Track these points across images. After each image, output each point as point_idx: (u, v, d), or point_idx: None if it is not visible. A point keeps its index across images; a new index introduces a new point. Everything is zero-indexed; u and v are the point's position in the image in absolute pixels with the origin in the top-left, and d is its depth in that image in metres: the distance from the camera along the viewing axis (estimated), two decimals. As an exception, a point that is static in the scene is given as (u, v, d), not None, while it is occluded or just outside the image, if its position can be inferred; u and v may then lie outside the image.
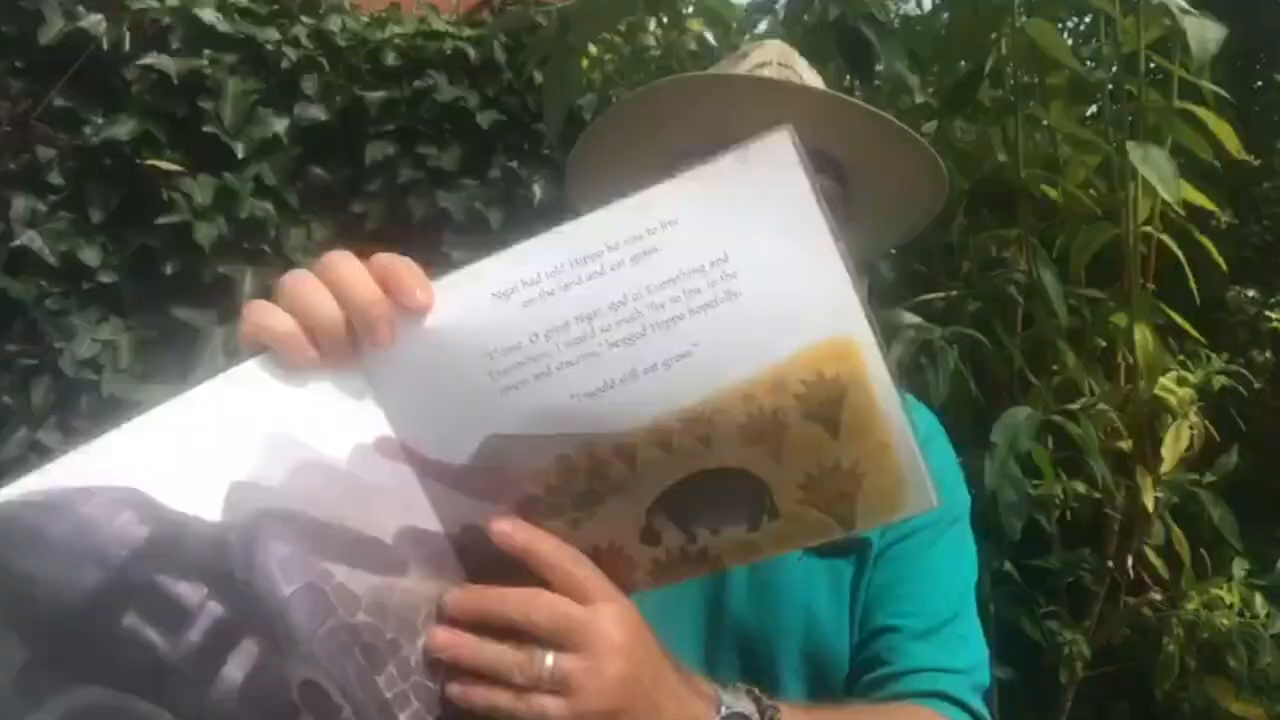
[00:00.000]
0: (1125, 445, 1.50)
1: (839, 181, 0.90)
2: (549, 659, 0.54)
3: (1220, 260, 1.51)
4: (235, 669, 0.48)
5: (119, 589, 0.47)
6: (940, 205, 0.98)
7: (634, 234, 0.50)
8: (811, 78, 0.92)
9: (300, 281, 0.53)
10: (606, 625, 0.55)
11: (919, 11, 1.84)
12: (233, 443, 0.50)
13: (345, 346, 0.52)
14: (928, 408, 0.98)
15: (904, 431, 0.54)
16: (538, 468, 0.54)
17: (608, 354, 0.51)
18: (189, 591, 0.48)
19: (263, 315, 0.53)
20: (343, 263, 0.53)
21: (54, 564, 0.46)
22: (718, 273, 0.50)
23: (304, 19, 1.71)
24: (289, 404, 0.51)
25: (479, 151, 1.80)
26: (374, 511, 0.53)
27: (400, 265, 0.53)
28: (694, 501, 0.55)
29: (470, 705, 0.54)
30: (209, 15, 1.60)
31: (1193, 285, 1.50)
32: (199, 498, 0.49)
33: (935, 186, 0.94)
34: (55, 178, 1.56)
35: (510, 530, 0.55)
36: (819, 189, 0.51)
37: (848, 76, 1.58)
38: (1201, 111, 1.45)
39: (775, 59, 0.91)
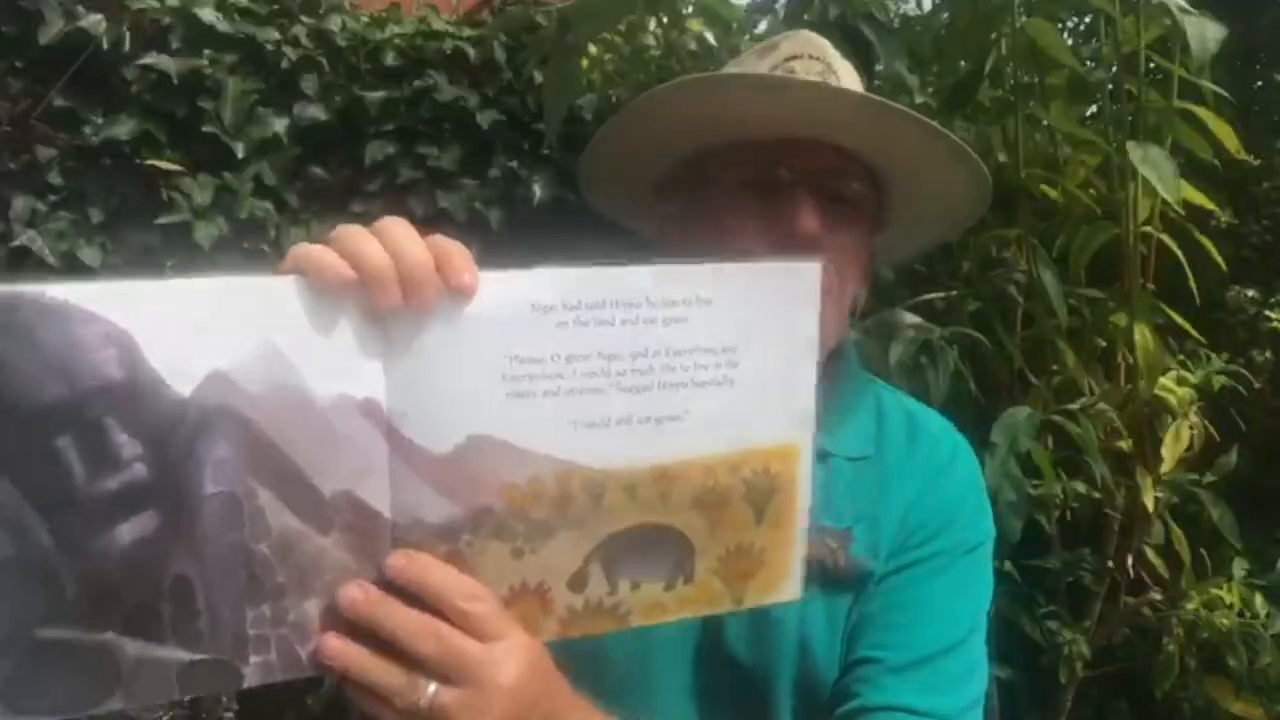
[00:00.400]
0: (1125, 445, 1.50)
1: (875, 188, 0.87)
2: (430, 689, 0.53)
3: (1220, 260, 1.51)
4: (127, 531, 0.49)
5: (69, 412, 0.48)
6: (983, 209, 0.93)
7: (673, 299, 0.56)
8: (846, 71, 0.88)
9: (355, 232, 0.53)
10: (499, 664, 0.55)
11: (919, 11, 1.84)
12: (233, 336, 0.50)
13: (430, 289, 0.52)
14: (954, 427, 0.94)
15: (804, 531, 0.65)
16: (510, 480, 0.55)
17: (614, 395, 0.56)
18: (126, 444, 0.49)
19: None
20: (398, 225, 0.54)
21: (27, 361, 0.47)
22: (725, 358, 0.58)
23: (304, 19, 1.70)
24: (302, 329, 0.52)
25: (479, 151, 1.80)
26: (326, 462, 0.53)
27: (452, 246, 0.54)
28: (628, 552, 0.59)
29: (360, 706, 0.54)
30: (209, 15, 1.60)
31: (1193, 285, 1.50)
32: (180, 369, 0.50)
33: (978, 191, 0.90)
34: (55, 178, 1.55)
35: (405, 564, 0.54)
36: (819, 319, 0.60)
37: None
38: (1201, 111, 1.45)
39: (808, 52, 0.87)
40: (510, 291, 0.54)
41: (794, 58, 0.86)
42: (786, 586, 0.66)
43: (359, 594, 0.54)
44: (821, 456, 0.80)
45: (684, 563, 0.62)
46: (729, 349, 0.59)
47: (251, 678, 0.53)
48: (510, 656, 0.55)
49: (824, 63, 0.85)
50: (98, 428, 0.48)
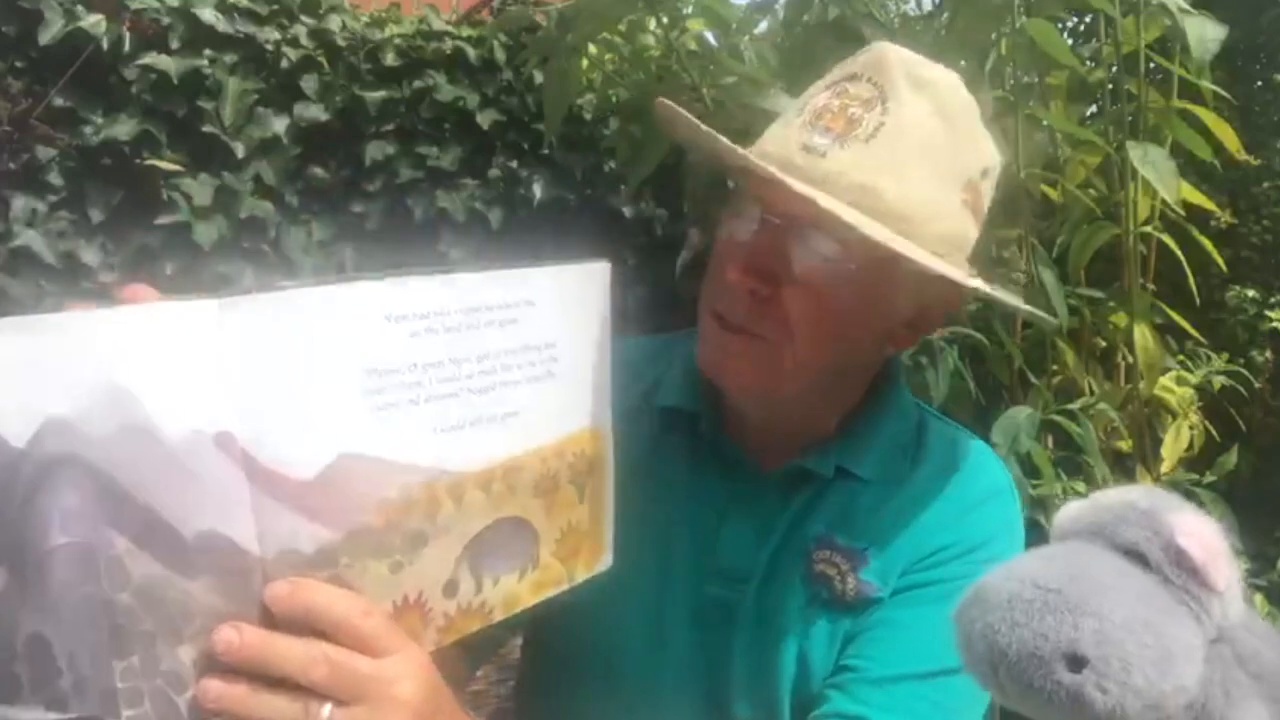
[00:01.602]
0: (1125, 445, 1.50)
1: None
2: (325, 711, 0.51)
3: (1220, 260, 1.51)
4: None
5: None
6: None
7: (506, 302, 0.60)
8: (910, 101, 0.74)
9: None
10: (394, 678, 0.53)
11: (919, 11, 1.84)
12: (72, 378, 0.47)
13: None
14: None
15: (610, 504, 0.70)
16: (384, 496, 0.54)
17: (466, 398, 0.58)
18: None
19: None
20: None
21: None
22: (548, 353, 0.63)
23: (304, 19, 1.71)
24: (147, 363, 0.48)
25: (479, 151, 1.81)
26: (185, 503, 0.50)
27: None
28: (489, 550, 0.61)
29: None
30: (209, 15, 1.60)
31: (1193, 285, 1.50)
32: (12, 417, 0.46)
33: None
34: (55, 178, 1.56)
35: (290, 590, 0.52)
36: (610, 313, 0.66)
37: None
38: (1201, 111, 1.45)
39: (869, 74, 0.75)
40: (362, 304, 0.53)
41: (853, 77, 0.76)
42: (603, 557, 0.71)
43: (234, 636, 0.51)
44: (844, 476, 0.80)
45: (532, 550, 0.64)
46: (550, 344, 0.63)
47: None
48: (405, 670, 0.54)
49: (880, 89, 0.75)
50: None
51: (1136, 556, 0.47)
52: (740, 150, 0.74)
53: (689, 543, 0.82)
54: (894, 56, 0.75)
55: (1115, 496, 0.50)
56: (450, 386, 0.57)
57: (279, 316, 0.51)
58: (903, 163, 0.72)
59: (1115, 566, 0.46)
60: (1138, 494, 0.50)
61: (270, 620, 0.52)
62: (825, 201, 0.68)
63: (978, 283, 0.75)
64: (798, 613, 0.78)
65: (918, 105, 0.73)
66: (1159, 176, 1.30)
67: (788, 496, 0.81)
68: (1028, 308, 0.91)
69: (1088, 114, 1.69)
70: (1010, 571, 0.47)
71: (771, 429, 0.83)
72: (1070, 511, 0.51)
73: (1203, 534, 0.46)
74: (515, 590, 0.64)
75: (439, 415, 0.56)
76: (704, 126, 0.76)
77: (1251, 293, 2.27)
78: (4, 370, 0.46)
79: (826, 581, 0.78)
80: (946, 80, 0.76)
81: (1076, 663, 0.43)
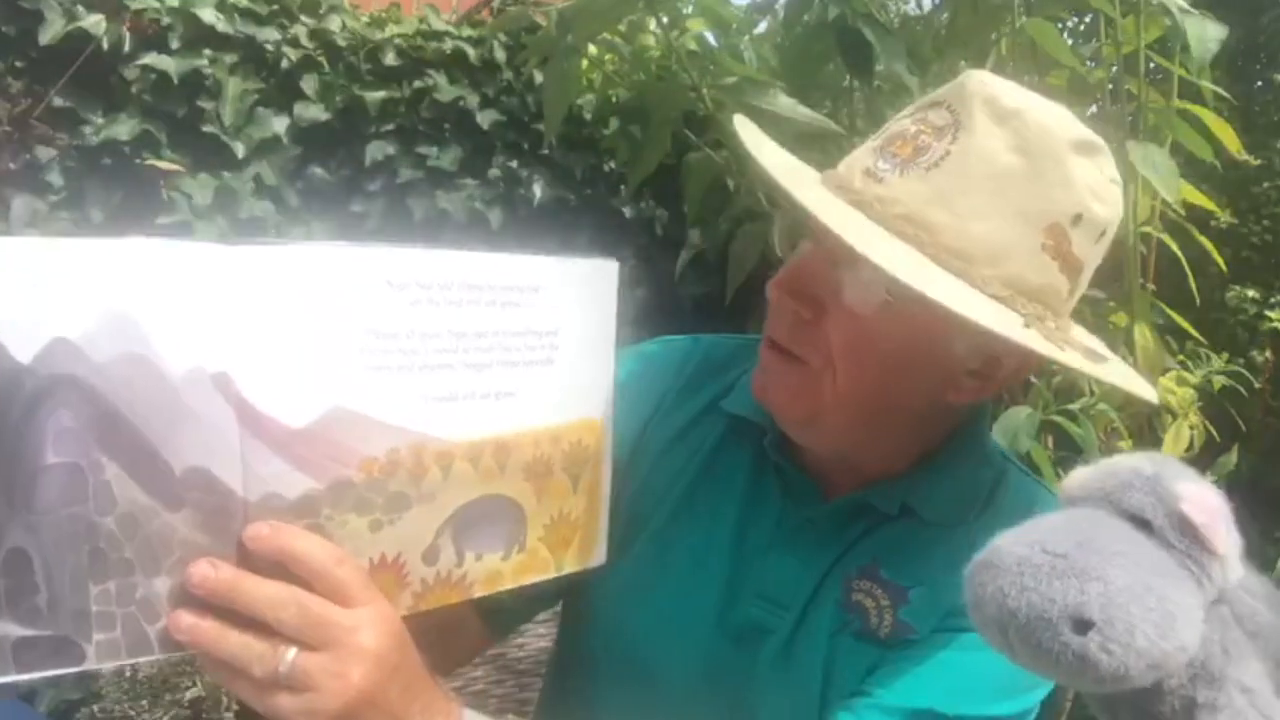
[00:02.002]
0: (1125, 445, 1.50)
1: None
2: (290, 655, 0.52)
3: (1220, 260, 1.52)
4: None
5: None
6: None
7: (508, 285, 0.61)
8: (984, 133, 0.69)
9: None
10: (361, 629, 0.54)
11: (919, 11, 1.84)
12: (80, 301, 0.48)
13: None
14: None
15: (608, 500, 0.70)
16: (369, 454, 0.56)
17: (461, 372, 0.59)
18: None
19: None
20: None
21: None
22: (549, 340, 0.64)
23: (304, 19, 1.71)
24: (155, 298, 0.50)
25: (479, 151, 1.81)
26: (178, 437, 0.51)
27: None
28: (474, 524, 0.62)
29: (213, 681, 0.53)
30: (209, 15, 1.60)
31: (1193, 285, 1.50)
32: (21, 334, 0.47)
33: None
34: (55, 178, 1.56)
35: (269, 533, 0.53)
36: (616, 310, 0.67)
37: (848, 76, 1.58)
38: (1201, 111, 1.45)
39: (950, 101, 0.71)
40: (366, 267, 0.55)
41: (935, 104, 0.72)
42: (595, 552, 0.71)
43: (209, 571, 0.52)
44: (905, 515, 0.77)
45: (519, 532, 0.65)
46: (551, 332, 0.64)
47: (95, 657, 0.50)
48: (373, 622, 0.55)
49: (955, 116, 0.70)
50: None
51: (1141, 522, 0.49)
52: (778, 166, 0.71)
53: (735, 558, 0.79)
54: (976, 85, 0.70)
55: (1122, 463, 0.52)
56: (446, 358, 0.58)
57: (285, 269, 0.53)
58: (963, 196, 0.67)
59: (1120, 533, 0.48)
60: (1143, 461, 0.52)
61: (247, 562, 0.53)
62: (848, 232, 0.64)
63: (1039, 336, 0.68)
64: (828, 639, 0.76)
65: (993, 137, 0.68)
66: (1159, 176, 1.30)
67: (844, 528, 0.78)
68: (1123, 384, 0.79)
69: (1088, 114, 1.69)
70: (1021, 536, 0.49)
71: (828, 459, 0.79)
72: (1078, 478, 0.53)
73: (1204, 500, 0.49)
74: (498, 569, 0.65)
75: (432, 383, 0.58)
76: (766, 147, 0.74)
77: (1251, 293, 2.27)
78: (16, 286, 0.47)
79: (862, 612, 0.76)
80: (1042, 115, 0.70)
81: (1082, 625, 0.45)
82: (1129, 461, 0.52)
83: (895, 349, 0.71)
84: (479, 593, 0.64)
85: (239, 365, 0.52)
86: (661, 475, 0.83)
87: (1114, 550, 0.47)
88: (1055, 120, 0.70)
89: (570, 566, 0.69)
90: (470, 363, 0.60)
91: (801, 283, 0.72)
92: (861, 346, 0.71)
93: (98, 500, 0.49)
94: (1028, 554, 0.47)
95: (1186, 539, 0.48)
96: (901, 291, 0.66)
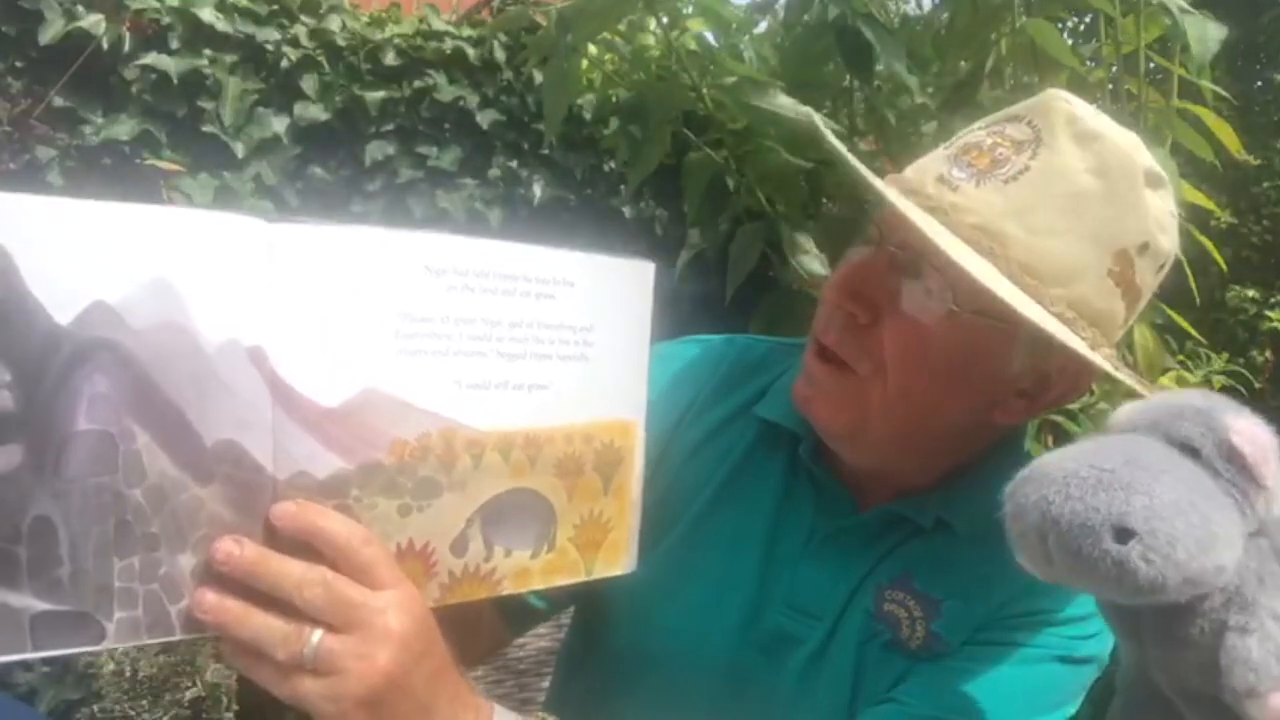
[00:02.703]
0: (1125, 445, 1.50)
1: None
2: (315, 636, 0.51)
3: (1220, 260, 1.52)
4: None
5: None
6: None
7: (544, 277, 0.61)
8: (1067, 150, 0.68)
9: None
10: (388, 611, 0.53)
11: (919, 11, 1.84)
12: (121, 266, 0.47)
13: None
14: None
15: (639, 505, 0.69)
16: (400, 436, 0.55)
17: (494, 360, 0.59)
18: None
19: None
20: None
21: None
22: (583, 336, 0.63)
23: (304, 19, 1.71)
24: (195, 268, 0.49)
25: (479, 151, 1.81)
26: (211, 409, 0.50)
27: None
28: (503, 517, 0.61)
29: (236, 669, 0.52)
30: (208, 15, 1.60)
31: (1193, 285, 1.50)
32: (61, 296, 0.46)
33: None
34: (55, 178, 1.56)
35: (296, 511, 0.52)
36: (652, 312, 0.67)
37: (848, 76, 1.58)
38: (1201, 111, 1.45)
39: (1030, 116, 0.70)
40: (404, 251, 0.55)
41: (1013, 119, 0.71)
42: (625, 559, 0.70)
43: (234, 548, 0.50)
44: (941, 528, 0.76)
45: (548, 530, 0.64)
46: (586, 328, 0.63)
47: (115, 635, 0.49)
48: (401, 605, 0.53)
49: (1036, 133, 0.69)
50: None
51: (1190, 450, 0.50)
52: (860, 168, 0.69)
53: (766, 567, 0.79)
54: (1061, 104, 0.69)
55: (1173, 397, 0.53)
56: (480, 345, 0.58)
57: (326, 249, 0.52)
58: (1040, 212, 0.66)
59: (1168, 456, 0.49)
60: (1195, 395, 0.53)
61: (274, 541, 0.52)
62: (939, 235, 0.63)
63: (1105, 360, 0.68)
64: (857, 649, 0.75)
65: (1074, 157, 0.67)
66: (1159, 176, 1.30)
67: (877, 540, 0.77)
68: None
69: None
70: (1067, 453, 0.50)
71: (864, 470, 0.78)
72: (1127, 410, 0.54)
73: (1255, 434, 0.49)
74: (527, 567, 0.64)
75: (465, 370, 0.57)
76: (841, 147, 0.72)
77: (1251, 293, 2.27)
78: (60, 247, 0.46)
79: (894, 623, 0.75)
80: (1120, 140, 0.69)
81: (1124, 535, 0.46)
82: (1180, 394, 0.53)
83: (951, 361, 0.69)
84: (507, 590, 0.63)
85: (274, 341, 0.51)
86: (690, 477, 0.82)
87: (1161, 469, 0.48)
88: (1132, 147, 0.70)
89: (600, 571, 0.68)
90: (504, 352, 0.59)
91: (861, 285, 0.70)
92: (916, 355, 0.69)
93: (127, 471, 0.48)
94: (1074, 468, 0.48)
95: (1233, 468, 0.49)
96: (971, 303, 0.65)
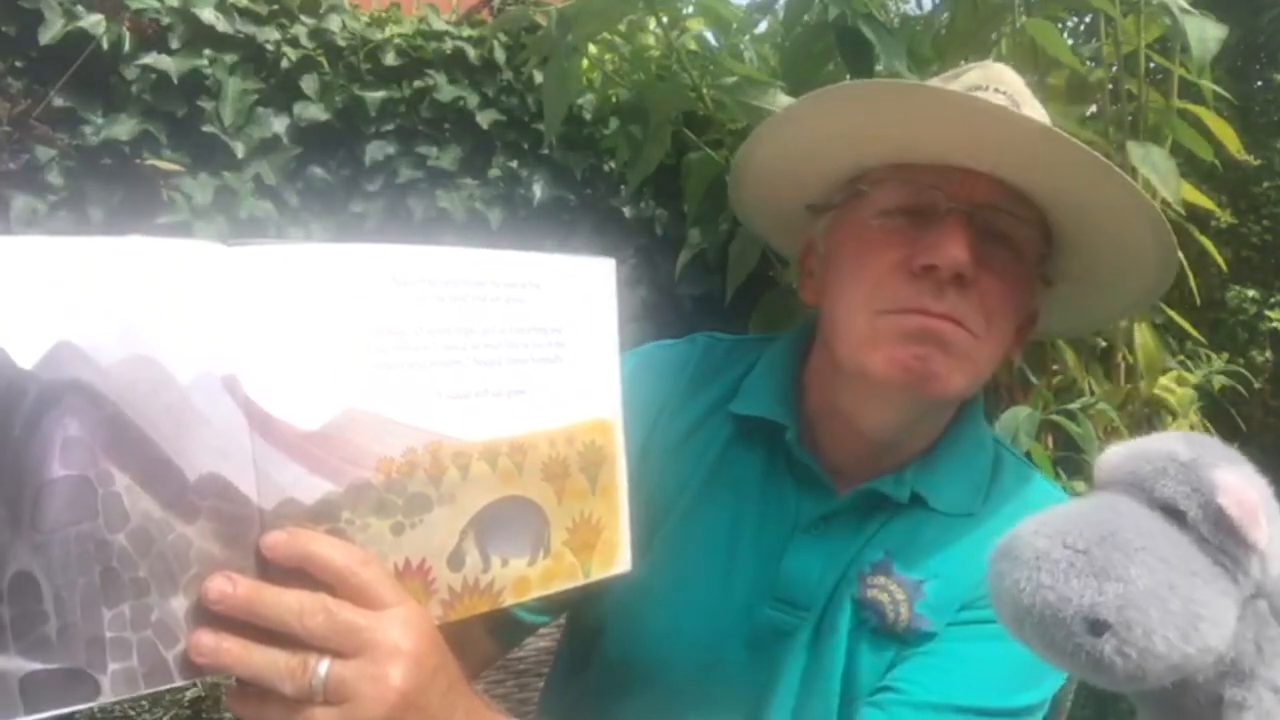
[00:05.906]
0: (1125, 445, 1.50)
1: (1043, 238, 0.78)
2: (323, 666, 0.49)
3: (1220, 260, 1.52)
4: None
5: None
6: (1169, 281, 0.81)
7: (511, 281, 0.61)
8: (1032, 110, 0.77)
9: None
10: (394, 630, 0.51)
11: (919, 11, 1.84)
12: (86, 303, 0.45)
13: None
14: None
15: (625, 503, 0.69)
16: (385, 453, 0.54)
17: (472, 369, 0.59)
18: None
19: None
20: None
21: None
22: (554, 337, 0.63)
23: (304, 19, 1.70)
24: (161, 300, 0.48)
25: (479, 151, 1.80)
26: (189, 443, 0.48)
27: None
28: (497, 526, 0.61)
29: (240, 715, 0.50)
30: (209, 15, 1.60)
31: (1193, 285, 1.50)
32: (22, 337, 0.44)
33: (1163, 255, 0.77)
34: (55, 178, 1.55)
35: (287, 539, 0.50)
36: (617, 308, 0.67)
37: (848, 76, 1.58)
38: (1201, 111, 1.45)
39: (994, 84, 0.77)
40: (369, 265, 0.54)
41: (978, 88, 0.76)
42: (620, 558, 0.70)
43: (227, 585, 0.48)
44: (917, 504, 0.78)
45: (543, 535, 0.64)
46: (556, 329, 0.63)
47: (111, 690, 0.46)
48: (407, 622, 0.52)
49: (1010, 98, 0.75)
50: None
51: (1174, 513, 0.46)
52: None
53: (752, 561, 0.79)
54: (1013, 73, 0.79)
55: (1157, 446, 0.49)
56: (455, 354, 0.58)
57: (287, 268, 0.51)
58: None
59: (1148, 525, 0.46)
60: (1180, 444, 0.49)
61: (267, 574, 0.50)
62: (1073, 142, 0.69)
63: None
64: (846, 636, 0.76)
65: (1036, 112, 0.77)
66: (1159, 176, 1.30)
67: (860, 524, 0.79)
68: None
69: (1088, 114, 1.69)
70: (1043, 525, 0.47)
71: (883, 440, 0.79)
72: (1111, 459, 0.50)
73: (1243, 491, 0.46)
74: (525, 575, 0.63)
75: (443, 380, 0.57)
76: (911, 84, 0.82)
77: (1251, 293, 2.27)
78: (17, 287, 0.44)
79: (878, 609, 0.76)
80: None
81: (1098, 627, 0.43)
82: (1165, 444, 0.49)
83: (1016, 306, 0.77)
84: (508, 601, 0.62)
85: (247, 367, 0.50)
86: (670, 480, 0.83)
87: (1138, 546, 0.44)
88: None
89: (597, 572, 0.68)
90: (480, 359, 0.59)
91: (972, 252, 0.72)
92: (1006, 306, 0.75)
93: (108, 515, 0.46)
94: (1047, 547, 0.45)
95: (1221, 533, 0.45)
96: (1037, 247, 0.77)
